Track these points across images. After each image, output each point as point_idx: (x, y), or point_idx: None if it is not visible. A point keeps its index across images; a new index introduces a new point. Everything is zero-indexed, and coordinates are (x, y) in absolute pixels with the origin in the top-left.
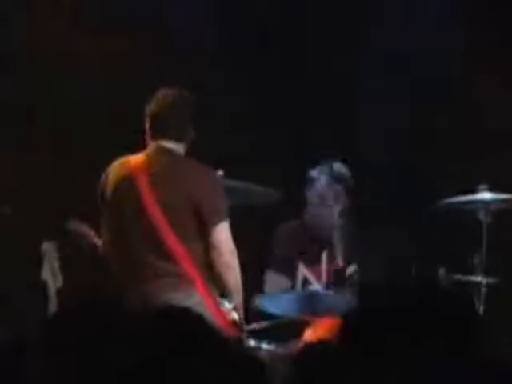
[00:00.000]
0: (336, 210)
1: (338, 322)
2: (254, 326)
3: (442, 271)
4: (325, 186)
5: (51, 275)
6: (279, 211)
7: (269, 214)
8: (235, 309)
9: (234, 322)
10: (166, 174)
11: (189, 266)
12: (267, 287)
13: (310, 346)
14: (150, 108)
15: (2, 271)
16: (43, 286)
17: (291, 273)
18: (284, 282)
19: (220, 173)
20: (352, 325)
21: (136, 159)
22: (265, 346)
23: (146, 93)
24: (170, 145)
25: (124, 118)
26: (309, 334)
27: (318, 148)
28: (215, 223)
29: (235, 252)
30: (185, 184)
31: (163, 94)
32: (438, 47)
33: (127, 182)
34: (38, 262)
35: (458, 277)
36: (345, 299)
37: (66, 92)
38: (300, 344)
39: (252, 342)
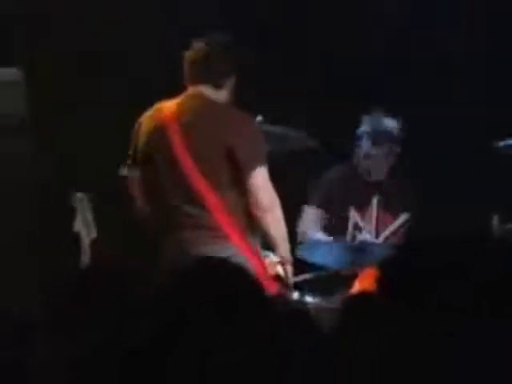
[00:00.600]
0: (383, 167)
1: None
2: (299, 277)
3: (495, 219)
4: (370, 144)
5: (85, 226)
6: (319, 158)
7: (308, 161)
8: (281, 262)
9: (278, 276)
10: (199, 121)
11: (223, 216)
12: (302, 224)
13: (351, 299)
14: (189, 53)
15: (32, 220)
16: (76, 237)
17: (336, 214)
18: (323, 219)
19: (259, 118)
20: (389, 277)
21: (169, 106)
22: (309, 299)
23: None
24: (207, 91)
25: None
26: (356, 287)
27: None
28: (251, 168)
29: (276, 200)
30: (218, 130)
31: (202, 41)
32: None
33: (159, 131)
34: (71, 213)
35: None
36: (393, 248)
37: None
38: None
39: (295, 295)
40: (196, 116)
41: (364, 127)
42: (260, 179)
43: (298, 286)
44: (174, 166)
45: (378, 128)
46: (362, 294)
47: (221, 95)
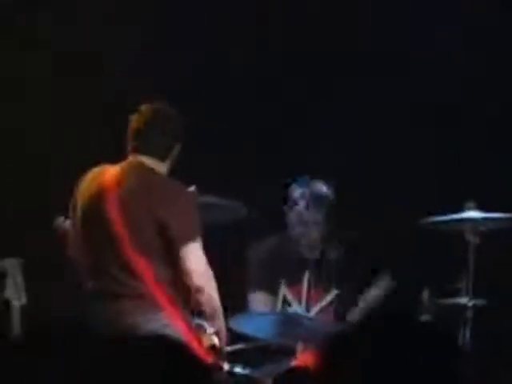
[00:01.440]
0: (318, 230)
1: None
2: (228, 348)
3: (425, 294)
4: (304, 208)
5: (15, 292)
6: (252, 227)
7: (241, 230)
8: (217, 333)
9: (213, 347)
10: (136, 191)
11: (158, 286)
12: (253, 308)
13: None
14: (133, 120)
15: None
16: (6, 305)
17: (275, 292)
18: (270, 300)
19: (192, 188)
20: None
21: (111, 172)
22: (239, 369)
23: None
24: (148, 161)
25: None
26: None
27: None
28: (183, 243)
29: (209, 274)
30: (152, 202)
31: (148, 109)
32: None
33: (98, 196)
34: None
35: (442, 300)
36: (324, 323)
37: None
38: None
39: (226, 366)
40: (134, 185)
41: (298, 191)
42: (192, 256)
43: (228, 357)
44: (110, 234)
45: (313, 191)
46: (296, 369)
47: (161, 166)
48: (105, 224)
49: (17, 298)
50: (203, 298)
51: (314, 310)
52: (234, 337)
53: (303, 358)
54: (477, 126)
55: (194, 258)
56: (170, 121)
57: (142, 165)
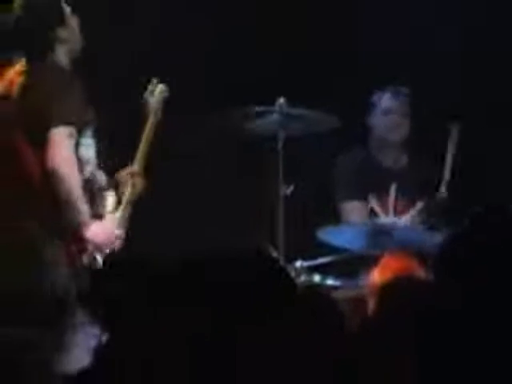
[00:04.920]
0: (402, 128)
1: (407, 261)
2: (320, 260)
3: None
4: (389, 104)
5: None
6: (341, 139)
7: (332, 141)
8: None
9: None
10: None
11: None
12: (346, 218)
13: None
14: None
15: None
16: None
17: (365, 201)
18: (363, 209)
19: (281, 100)
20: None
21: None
22: (330, 281)
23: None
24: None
25: None
26: (376, 275)
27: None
28: (53, 126)
29: (69, 161)
30: (37, 98)
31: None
32: None
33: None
34: None
35: None
36: (415, 233)
37: None
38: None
39: (317, 277)
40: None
41: (381, 92)
42: (55, 138)
43: (319, 269)
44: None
45: (396, 91)
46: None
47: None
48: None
49: None
50: (60, 185)
51: (403, 220)
52: (325, 249)
53: (385, 271)
54: (477, 125)
55: (57, 141)
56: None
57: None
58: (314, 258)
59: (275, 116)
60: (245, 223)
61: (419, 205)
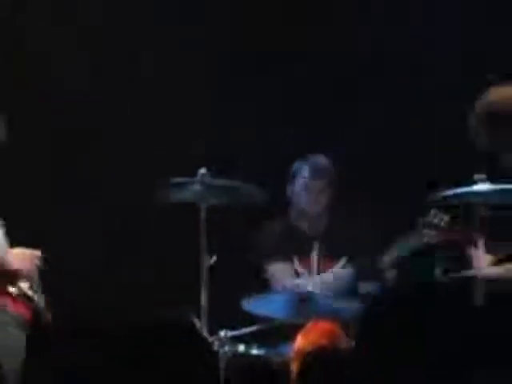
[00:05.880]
0: (322, 200)
1: (331, 327)
2: (245, 329)
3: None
4: (308, 178)
5: None
6: (263, 211)
7: (253, 214)
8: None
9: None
10: None
11: None
12: (275, 279)
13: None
14: None
15: None
16: None
17: (290, 262)
18: (289, 269)
19: (203, 171)
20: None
21: None
22: (254, 350)
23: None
24: None
25: None
26: (300, 340)
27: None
28: None
29: None
30: None
31: None
32: None
33: None
34: None
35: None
36: (335, 301)
37: None
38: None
39: (241, 347)
40: None
41: (299, 164)
42: None
43: (244, 339)
44: None
45: (315, 162)
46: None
47: None
48: None
49: None
50: None
51: (325, 276)
52: (248, 318)
53: (312, 335)
54: None
55: None
56: None
57: None
58: (239, 327)
59: (196, 186)
60: (169, 294)
61: (343, 260)
